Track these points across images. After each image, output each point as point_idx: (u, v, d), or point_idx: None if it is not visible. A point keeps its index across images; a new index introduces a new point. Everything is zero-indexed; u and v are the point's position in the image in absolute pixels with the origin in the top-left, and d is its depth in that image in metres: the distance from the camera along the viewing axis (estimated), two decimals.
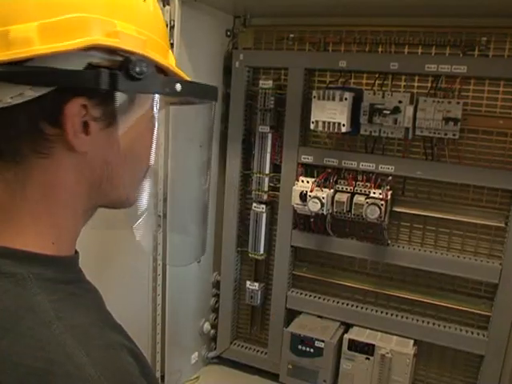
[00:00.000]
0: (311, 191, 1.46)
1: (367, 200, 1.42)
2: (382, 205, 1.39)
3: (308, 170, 1.54)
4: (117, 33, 0.55)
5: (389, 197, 1.42)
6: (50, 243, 0.57)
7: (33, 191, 0.56)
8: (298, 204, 1.49)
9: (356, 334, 1.51)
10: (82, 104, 0.54)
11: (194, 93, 0.66)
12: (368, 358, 1.46)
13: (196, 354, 1.72)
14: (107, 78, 0.53)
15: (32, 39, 0.51)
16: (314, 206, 1.44)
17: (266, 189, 1.61)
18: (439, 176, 1.40)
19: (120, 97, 0.57)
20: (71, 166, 0.57)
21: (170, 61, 0.63)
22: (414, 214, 1.48)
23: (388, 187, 1.43)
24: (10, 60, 0.50)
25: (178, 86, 0.59)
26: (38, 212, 0.56)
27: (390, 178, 1.43)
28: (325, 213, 1.46)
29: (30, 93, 0.51)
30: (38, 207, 0.56)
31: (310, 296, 1.63)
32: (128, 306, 1.46)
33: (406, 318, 1.51)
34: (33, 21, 0.52)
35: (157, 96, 0.60)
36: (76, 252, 0.62)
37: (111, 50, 0.55)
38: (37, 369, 0.47)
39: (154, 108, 0.60)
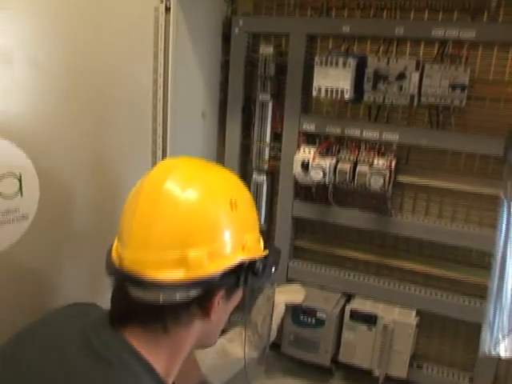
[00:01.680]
0: (313, 160, 1.43)
1: (371, 169, 1.39)
2: (385, 174, 1.37)
3: (310, 138, 1.51)
4: (249, 247, 0.80)
5: (393, 166, 1.39)
6: (164, 371, 0.79)
7: (167, 343, 0.79)
8: (299, 173, 1.46)
9: (358, 305, 1.49)
10: (222, 293, 0.79)
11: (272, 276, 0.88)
12: (370, 329, 1.45)
13: None
14: (243, 278, 0.78)
15: (204, 262, 0.74)
16: (316, 175, 1.41)
17: (266, 158, 1.59)
18: (445, 145, 1.37)
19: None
20: (198, 329, 0.81)
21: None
22: (418, 184, 1.45)
23: (392, 156, 1.40)
24: (189, 279, 0.73)
25: (273, 275, 0.86)
26: (165, 354, 0.79)
27: (394, 146, 1.40)
28: (327, 182, 1.44)
29: (194, 293, 0.75)
30: (167, 352, 0.79)
31: (312, 266, 1.61)
32: None
33: (409, 288, 1.49)
34: (203, 245, 0.74)
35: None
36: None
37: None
38: None
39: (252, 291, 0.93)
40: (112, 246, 0.84)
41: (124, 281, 0.76)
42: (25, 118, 1.00)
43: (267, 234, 1.67)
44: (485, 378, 1.45)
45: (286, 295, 1.43)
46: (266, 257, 0.85)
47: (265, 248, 0.89)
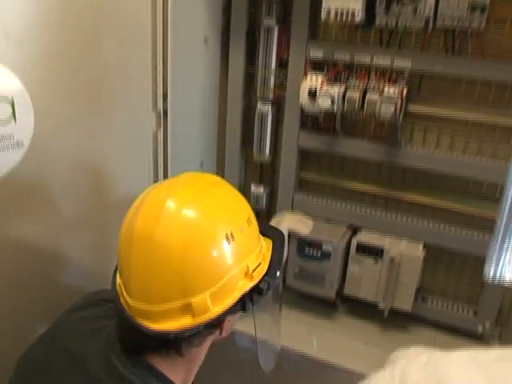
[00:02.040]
0: (321, 87, 1.36)
1: (381, 97, 1.33)
2: (396, 102, 1.31)
3: (317, 66, 1.43)
4: (251, 273, 0.78)
5: (404, 94, 1.32)
6: (182, 383, 0.84)
7: (183, 362, 0.82)
8: (306, 102, 1.40)
9: (365, 237, 1.47)
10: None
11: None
12: (376, 262, 1.43)
13: None
14: (250, 302, 0.78)
15: (208, 306, 0.74)
16: (324, 103, 1.35)
17: (271, 87, 1.52)
18: (460, 71, 1.30)
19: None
20: (211, 341, 0.84)
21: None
22: (429, 114, 1.39)
23: (403, 84, 1.33)
24: (197, 325, 0.74)
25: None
26: (182, 370, 0.83)
27: (406, 73, 1.33)
28: (335, 111, 1.38)
29: (202, 328, 0.75)
30: (184, 368, 0.83)
31: (318, 199, 1.57)
32: None
33: (417, 221, 1.46)
34: (206, 290, 0.74)
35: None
36: None
37: None
38: None
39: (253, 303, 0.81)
40: (115, 276, 0.82)
41: (134, 328, 0.75)
42: (17, 41, 0.93)
43: (272, 166, 1.63)
44: (489, 312, 1.45)
45: (291, 223, 1.40)
46: (269, 265, 0.84)
47: (265, 235, 0.88)
